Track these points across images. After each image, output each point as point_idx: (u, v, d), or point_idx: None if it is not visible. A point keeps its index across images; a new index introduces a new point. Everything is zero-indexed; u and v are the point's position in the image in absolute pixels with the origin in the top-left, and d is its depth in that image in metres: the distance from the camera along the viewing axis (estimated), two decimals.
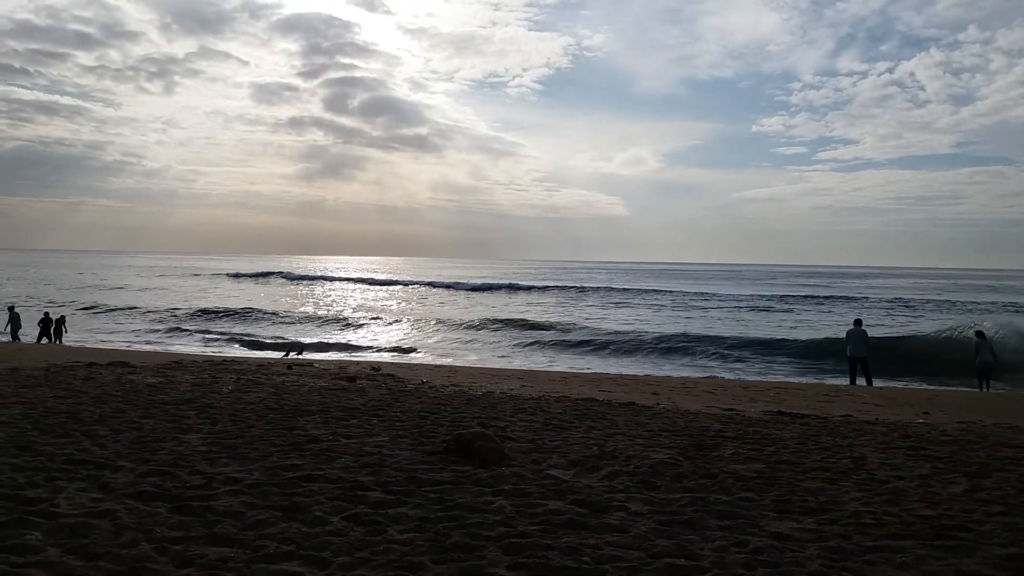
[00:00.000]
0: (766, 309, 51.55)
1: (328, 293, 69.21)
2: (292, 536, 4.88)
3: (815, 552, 4.92)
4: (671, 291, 66.63)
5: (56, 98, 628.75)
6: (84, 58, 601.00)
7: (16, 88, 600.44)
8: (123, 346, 27.40)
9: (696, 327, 37.64)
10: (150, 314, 43.17)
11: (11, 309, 28.87)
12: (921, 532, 5.42)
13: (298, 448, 7.46)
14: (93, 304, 47.30)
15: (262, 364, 16.81)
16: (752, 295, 63.59)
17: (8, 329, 27.92)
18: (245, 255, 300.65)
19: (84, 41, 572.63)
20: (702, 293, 65.51)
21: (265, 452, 7.24)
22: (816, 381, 21.42)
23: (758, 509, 5.91)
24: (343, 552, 4.65)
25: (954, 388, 19.91)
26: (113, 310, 45.43)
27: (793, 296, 63.07)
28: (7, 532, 4.70)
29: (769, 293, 67.07)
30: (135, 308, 45.79)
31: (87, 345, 26.31)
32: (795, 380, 21.77)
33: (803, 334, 34.02)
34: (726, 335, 33.24)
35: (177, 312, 43.93)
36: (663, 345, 30.79)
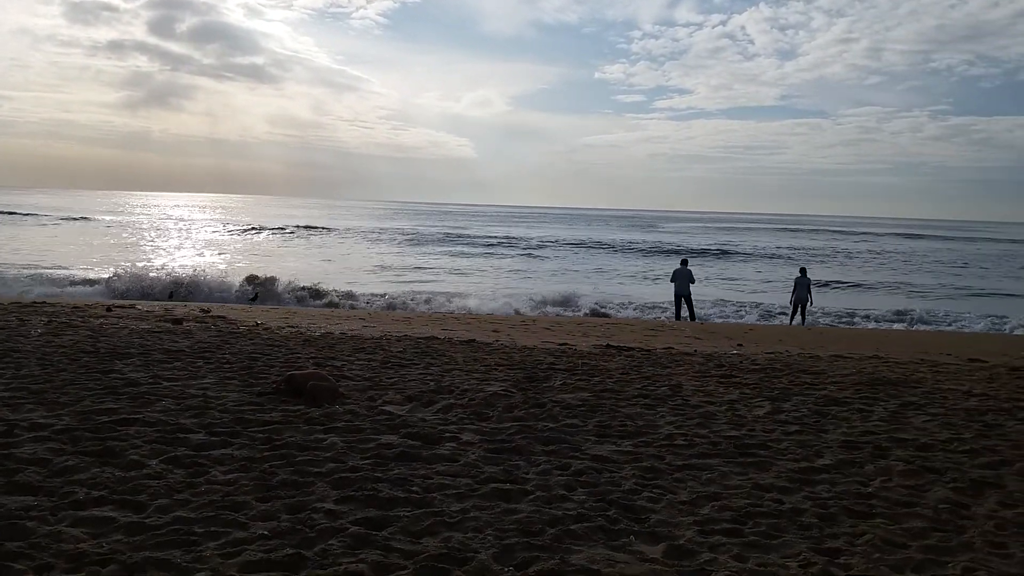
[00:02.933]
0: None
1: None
2: (104, 481, 4.63)
3: (630, 472, 5.27)
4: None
5: None
6: None
7: None
8: None
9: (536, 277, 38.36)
10: None
11: None
12: (726, 451, 5.93)
13: (114, 392, 7.03)
14: None
15: (77, 306, 15.60)
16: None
17: None
18: (56, 189, 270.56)
19: None
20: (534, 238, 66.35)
21: (77, 397, 6.77)
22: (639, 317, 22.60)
23: (581, 434, 6.23)
24: (161, 495, 4.46)
25: (771, 324, 21.66)
26: None
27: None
28: None
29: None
30: None
31: None
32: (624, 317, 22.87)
33: None
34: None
35: None
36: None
